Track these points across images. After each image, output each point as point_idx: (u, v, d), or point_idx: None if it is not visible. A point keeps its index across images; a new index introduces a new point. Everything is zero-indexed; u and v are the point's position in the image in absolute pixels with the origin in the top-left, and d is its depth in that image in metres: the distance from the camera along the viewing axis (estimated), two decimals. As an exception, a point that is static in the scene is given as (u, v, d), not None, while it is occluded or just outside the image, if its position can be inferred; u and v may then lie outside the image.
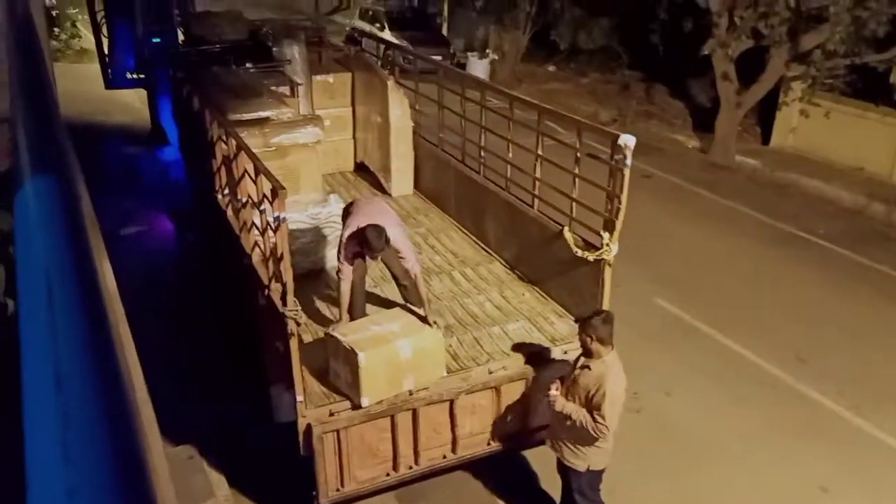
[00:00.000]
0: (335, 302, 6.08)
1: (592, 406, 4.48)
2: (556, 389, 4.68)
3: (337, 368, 4.87)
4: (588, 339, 4.52)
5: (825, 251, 10.18)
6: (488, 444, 5.41)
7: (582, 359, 4.67)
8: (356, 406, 4.76)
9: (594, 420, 4.47)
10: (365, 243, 5.07)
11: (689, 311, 8.28)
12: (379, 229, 5.05)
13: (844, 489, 5.90)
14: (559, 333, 5.67)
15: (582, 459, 4.76)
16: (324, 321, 5.81)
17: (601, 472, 4.86)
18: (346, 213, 5.52)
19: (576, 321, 4.66)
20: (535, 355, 5.41)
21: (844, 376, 7.23)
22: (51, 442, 0.54)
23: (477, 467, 5.78)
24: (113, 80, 13.29)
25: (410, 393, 4.94)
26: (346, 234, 5.19)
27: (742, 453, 6.25)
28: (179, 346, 7.50)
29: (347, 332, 4.86)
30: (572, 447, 4.75)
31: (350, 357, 4.67)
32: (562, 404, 4.63)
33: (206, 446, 5.94)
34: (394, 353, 4.80)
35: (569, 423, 4.62)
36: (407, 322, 5.06)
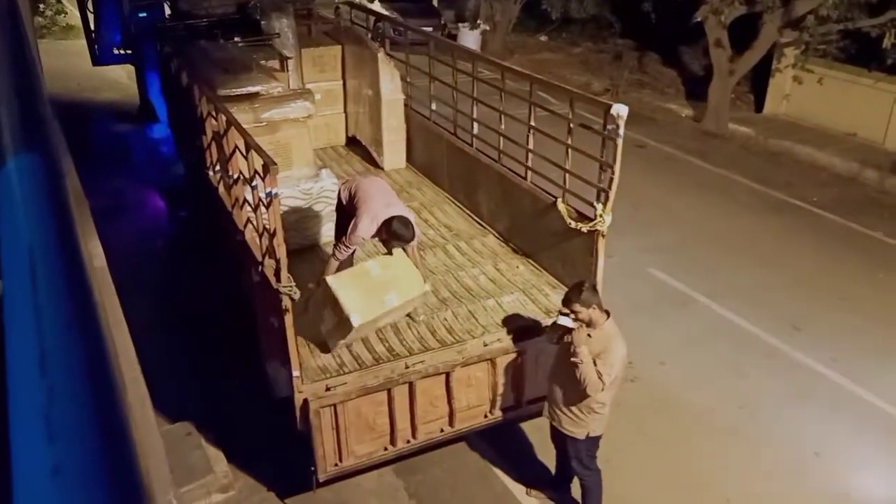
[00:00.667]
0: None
1: (600, 362, 4.51)
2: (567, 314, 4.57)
3: (322, 315, 4.97)
4: (586, 311, 4.49)
5: (818, 218, 10.20)
6: (485, 416, 5.44)
7: (574, 335, 4.57)
8: (348, 328, 4.79)
9: (598, 375, 4.50)
10: (393, 235, 5.13)
11: (683, 281, 8.30)
12: (406, 221, 5.13)
13: (837, 454, 5.97)
14: (553, 305, 5.67)
15: (582, 427, 4.79)
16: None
17: (599, 438, 4.91)
18: (351, 195, 5.46)
19: (564, 303, 4.55)
20: (530, 327, 5.42)
21: (839, 344, 7.28)
22: (35, 420, 0.53)
23: (474, 440, 5.83)
24: (100, 57, 13.12)
25: (407, 358, 4.96)
26: (365, 223, 5.15)
27: (736, 421, 6.30)
28: (176, 322, 7.50)
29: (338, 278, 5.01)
30: (571, 415, 4.78)
31: (325, 289, 4.85)
32: (585, 354, 4.48)
33: (204, 423, 5.96)
34: (362, 270, 5.06)
35: (568, 373, 4.59)
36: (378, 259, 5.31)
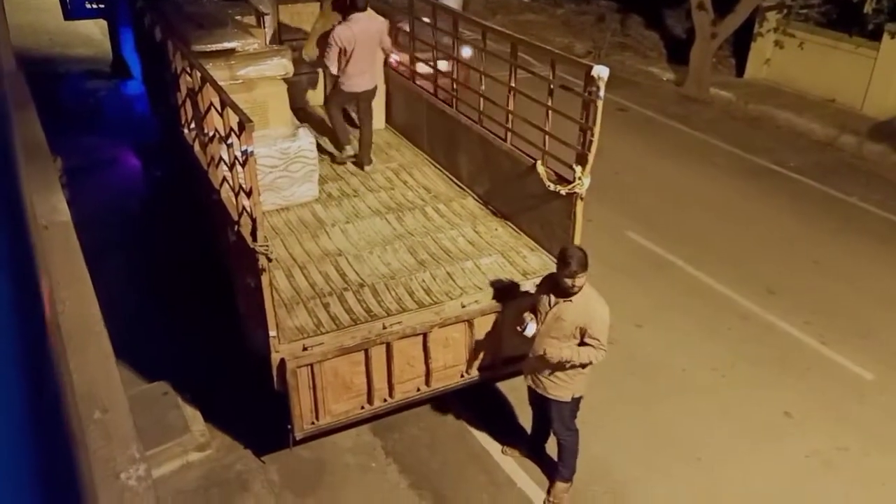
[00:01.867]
0: (308, 237, 6.06)
1: (590, 335, 4.54)
2: (532, 321, 4.70)
3: None
4: (578, 278, 4.46)
5: (796, 183, 10.27)
6: (461, 376, 5.48)
7: (553, 296, 4.64)
8: None
9: (595, 349, 4.55)
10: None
11: (661, 245, 8.35)
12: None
13: (807, 414, 6.09)
14: (531, 267, 5.70)
15: (566, 389, 4.83)
16: (295, 257, 5.78)
17: (581, 398, 4.96)
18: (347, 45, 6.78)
19: (573, 271, 4.43)
20: (508, 289, 5.44)
21: (812, 307, 7.39)
22: None
23: (450, 399, 5.88)
24: (71, 11, 12.77)
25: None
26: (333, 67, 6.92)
27: (710, 383, 6.41)
28: (153, 282, 7.45)
29: None
30: (555, 380, 4.81)
31: None
32: (557, 353, 4.60)
33: (181, 382, 5.96)
34: None
35: (569, 365, 4.65)
36: None
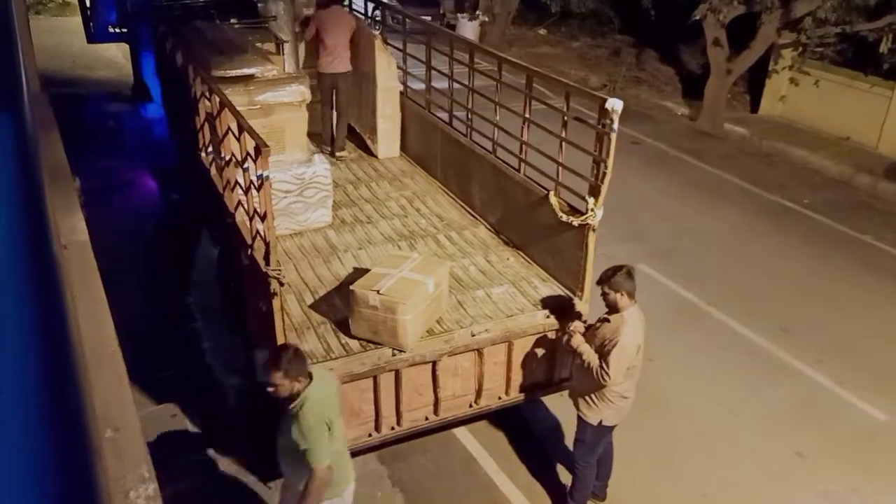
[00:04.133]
0: (320, 263, 6.09)
1: (602, 354, 4.59)
2: (577, 329, 4.82)
3: (370, 319, 4.91)
4: (613, 295, 4.59)
5: (810, 221, 10.23)
6: (470, 405, 5.45)
7: (604, 314, 4.79)
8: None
9: (599, 366, 4.58)
10: None
11: (673, 279, 8.32)
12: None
13: (819, 454, 6.00)
14: (542, 297, 5.69)
15: (595, 412, 4.85)
16: (307, 282, 5.80)
17: (611, 428, 4.95)
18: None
19: (598, 282, 4.69)
20: (519, 318, 5.42)
21: (825, 346, 7.31)
22: None
23: (457, 429, 5.84)
24: (95, 34, 13.03)
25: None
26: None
27: (720, 420, 6.33)
28: (165, 302, 7.48)
29: (374, 284, 4.89)
30: (587, 400, 4.86)
31: (391, 308, 4.79)
32: (577, 342, 4.75)
33: (190, 405, 5.95)
34: (426, 294, 5.00)
35: (579, 362, 4.76)
36: (420, 262, 5.27)
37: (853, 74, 12.80)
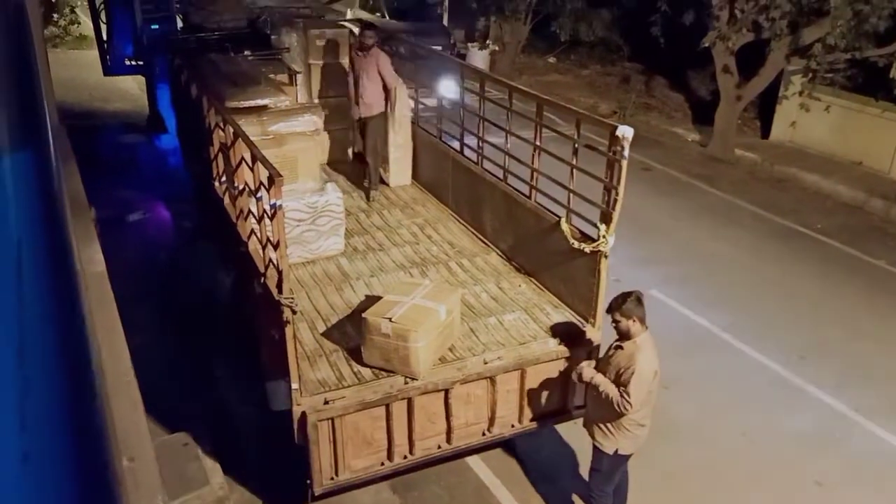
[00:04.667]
0: (333, 290, 6.10)
1: (621, 383, 4.56)
2: (584, 366, 4.83)
3: (382, 347, 4.91)
4: (626, 322, 4.58)
5: (823, 246, 10.18)
6: (483, 434, 5.41)
7: (615, 342, 4.77)
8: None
9: (620, 395, 4.54)
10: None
11: (687, 305, 8.28)
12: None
13: (838, 483, 5.91)
14: (554, 324, 5.67)
15: (611, 442, 4.81)
16: (320, 310, 5.81)
17: (627, 457, 4.91)
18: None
19: (608, 310, 4.70)
20: (531, 346, 5.40)
21: (843, 373, 7.24)
22: (8, 409, 0.53)
23: (471, 457, 5.80)
24: (112, 67, 13.26)
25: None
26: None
27: (738, 448, 6.26)
28: (178, 331, 7.50)
29: (386, 312, 4.89)
30: (603, 429, 4.83)
31: (403, 335, 4.79)
32: (590, 374, 4.74)
33: (202, 433, 5.95)
34: (438, 321, 4.99)
35: (595, 393, 4.72)
36: (432, 289, 5.27)
37: (864, 100, 12.81)
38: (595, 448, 4.92)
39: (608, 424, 4.77)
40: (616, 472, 4.95)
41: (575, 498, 5.58)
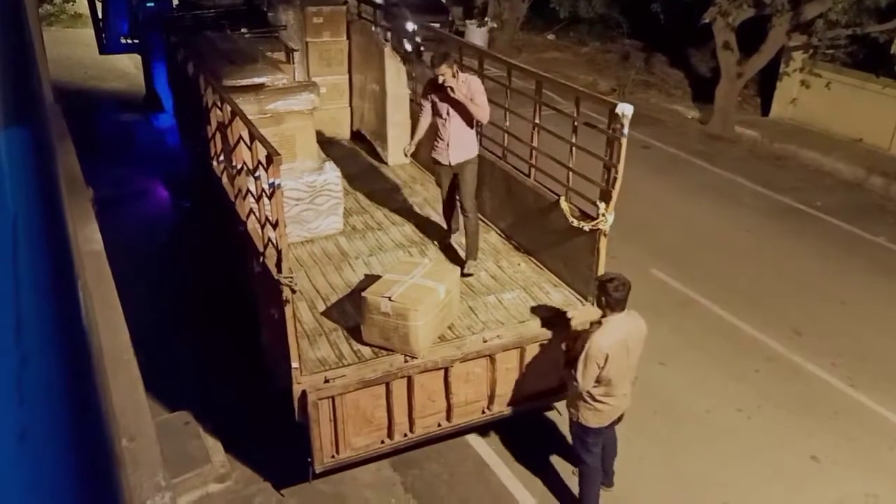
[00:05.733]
0: (332, 269, 6.10)
1: (572, 360, 4.78)
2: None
3: (381, 326, 4.93)
4: (600, 301, 4.73)
5: (822, 223, 10.17)
6: (483, 412, 5.45)
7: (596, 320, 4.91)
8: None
9: (567, 370, 4.81)
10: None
11: (686, 283, 8.28)
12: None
13: (835, 459, 5.95)
14: (554, 303, 5.68)
15: (572, 412, 4.98)
16: (319, 289, 5.81)
17: (593, 430, 4.95)
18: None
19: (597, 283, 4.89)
20: (530, 324, 5.42)
21: (839, 349, 7.26)
22: (6, 384, 0.53)
23: (471, 435, 5.83)
24: (107, 45, 13.13)
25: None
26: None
27: (735, 425, 6.29)
28: (178, 312, 7.51)
29: (385, 291, 4.91)
30: (568, 398, 5.05)
31: (403, 314, 4.81)
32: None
33: (203, 412, 5.98)
34: (437, 300, 5.02)
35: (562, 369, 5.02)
36: (431, 268, 5.29)
37: (865, 76, 12.73)
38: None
39: (571, 395, 4.94)
40: (589, 440, 5.01)
41: (573, 476, 5.62)
